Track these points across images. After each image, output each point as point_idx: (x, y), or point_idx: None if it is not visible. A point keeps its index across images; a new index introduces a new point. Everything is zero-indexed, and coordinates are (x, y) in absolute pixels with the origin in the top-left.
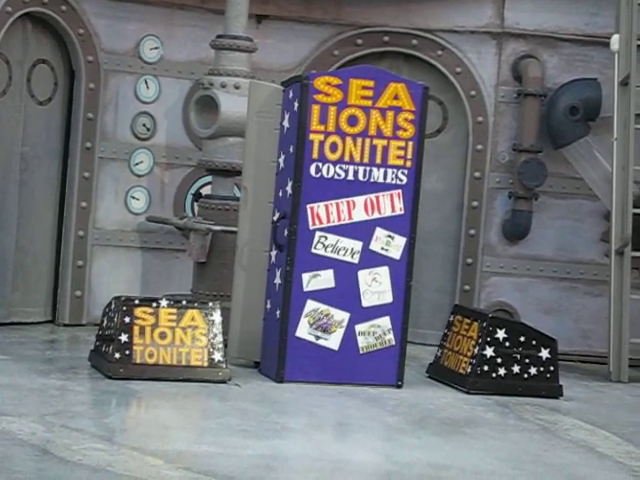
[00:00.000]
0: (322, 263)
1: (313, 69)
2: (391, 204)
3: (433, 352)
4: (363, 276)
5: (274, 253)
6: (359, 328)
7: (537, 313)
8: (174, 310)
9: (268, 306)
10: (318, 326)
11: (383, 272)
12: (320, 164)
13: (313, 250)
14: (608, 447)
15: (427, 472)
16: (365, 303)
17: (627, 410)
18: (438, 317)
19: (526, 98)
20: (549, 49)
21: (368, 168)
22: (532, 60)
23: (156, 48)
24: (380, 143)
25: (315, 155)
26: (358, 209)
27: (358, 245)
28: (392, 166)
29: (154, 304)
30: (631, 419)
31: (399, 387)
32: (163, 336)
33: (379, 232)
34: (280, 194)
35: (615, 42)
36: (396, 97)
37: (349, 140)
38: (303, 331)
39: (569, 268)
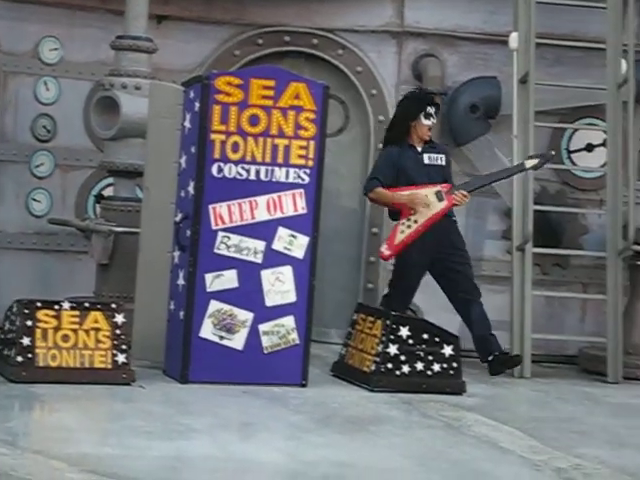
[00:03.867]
0: (225, 263)
1: (214, 69)
2: (293, 203)
3: (337, 351)
4: (266, 276)
5: (177, 254)
6: (263, 328)
7: (440, 311)
8: (77, 312)
9: (172, 307)
10: (222, 326)
11: (286, 271)
12: (222, 164)
13: (216, 250)
14: (511, 442)
15: (332, 470)
16: (269, 303)
17: (530, 405)
18: (342, 316)
19: None
20: (449, 48)
21: (270, 168)
22: (432, 59)
23: (56, 49)
24: (282, 143)
25: (217, 155)
26: (260, 209)
27: (261, 245)
28: (294, 165)
29: (56, 307)
30: (533, 414)
31: (303, 386)
32: (66, 339)
33: (282, 231)
34: (182, 195)
35: (514, 40)
36: (297, 97)
37: (251, 140)
38: (207, 331)
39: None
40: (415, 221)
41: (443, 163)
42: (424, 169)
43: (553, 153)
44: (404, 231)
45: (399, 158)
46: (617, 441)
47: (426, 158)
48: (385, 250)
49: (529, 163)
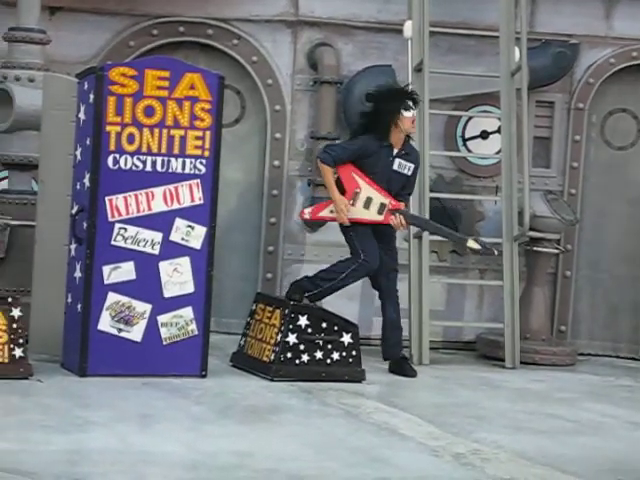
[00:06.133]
0: (122, 255)
1: (109, 60)
2: (190, 194)
3: (237, 341)
4: (164, 267)
5: (74, 246)
6: (161, 319)
7: (340, 299)
8: None
9: (69, 300)
10: (120, 318)
11: (184, 262)
12: (117, 156)
13: (113, 242)
14: (410, 428)
15: (231, 460)
16: (167, 294)
17: (428, 392)
18: (242, 306)
19: (322, 86)
20: (343, 37)
21: (166, 159)
22: (327, 48)
23: None
24: (177, 133)
25: (112, 147)
26: (157, 200)
27: (158, 236)
28: (190, 156)
29: None
30: (432, 400)
31: (203, 377)
32: None
33: (179, 222)
34: (78, 187)
35: (408, 29)
36: (192, 87)
37: (146, 131)
38: (105, 324)
39: None
40: (348, 212)
41: (409, 173)
42: (389, 174)
43: (497, 253)
44: (332, 212)
45: (372, 154)
46: (515, 426)
47: (396, 164)
48: (307, 213)
49: (471, 243)
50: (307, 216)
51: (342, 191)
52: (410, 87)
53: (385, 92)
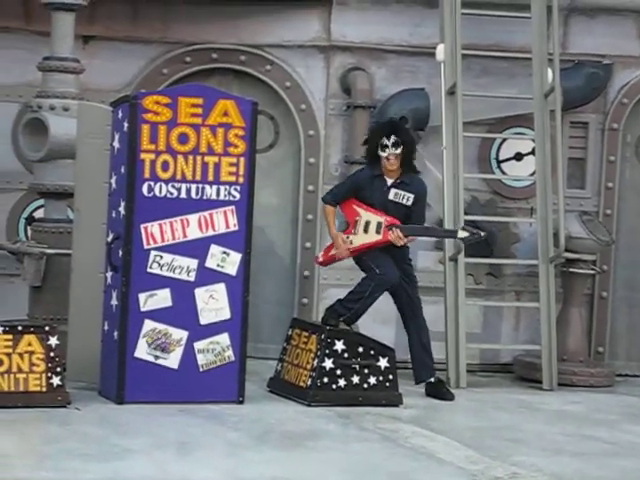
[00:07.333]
0: (158, 282)
1: (142, 88)
2: (225, 220)
3: (274, 366)
4: (200, 294)
5: (109, 274)
6: (198, 346)
7: (375, 323)
8: (10, 336)
9: (106, 327)
10: (157, 345)
11: (220, 289)
12: (152, 183)
13: (149, 270)
14: (448, 453)
15: None
16: (203, 321)
17: (465, 415)
18: (278, 331)
19: (355, 110)
20: (376, 61)
21: (200, 185)
22: (360, 72)
23: None
24: (211, 160)
25: (147, 174)
26: (192, 227)
27: (194, 263)
28: (224, 182)
29: None
30: (469, 424)
31: (240, 403)
32: (0, 363)
33: (214, 249)
34: (113, 215)
35: (440, 52)
36: (226, 114)
37: (180, 158)
38: (142, 351)
39: None
40: (351, 242)
41: (409, 203)
42: (385, 203)
43: (483, 234)
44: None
45: (365, 185)
46: (553, 448)
47: (392, 194)
48: (320, 256)
49: (461, 233)
50: (321, 259)
51: (348, 225)
52: (392, 120)
53: (375, 126)
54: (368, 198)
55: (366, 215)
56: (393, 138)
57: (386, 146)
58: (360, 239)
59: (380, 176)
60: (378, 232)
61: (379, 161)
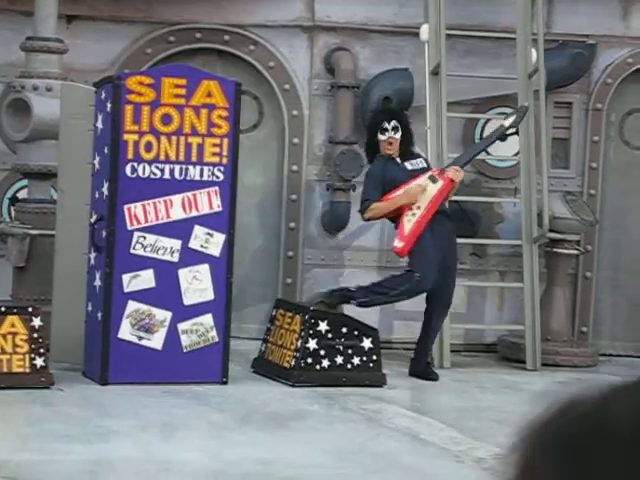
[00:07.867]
0: (142, 263)
1: (126, 68)
2: (209, 201)
3: (258, 346)
4: (184, 274)
5: (93, 255)
6: (182, 327)
7: None
8: None
9: (89, 308)
10: (140, 326)
11: (203, 270)
12: (135, 164)
13: (132, 250)
14: (431, 433)
15: (253, 468)
16: (187, 301)
17: (450, 396)
18: (263, 311)
19: (339, 90)
20: (360, 41)
21: (184, 166)
22: (344, 52)
23: None
24: (195, 141)
25: (130, 155)
26: (176, 208)
27: (177, 244)
28: (208, 163)
29: None
30: (454, 404)
31: (224, 384)
32: None
33: (198, 230)
34: (97, 196)
35: (424, 32)
36: (209, 94)
37: (164, 139)
38: (125, 332)
39: (389, 257)
40: (418, 207)
41: (425, 165)
42: (408, 177)
43: (527, 104)
44: (410, 220)
45: (384, 172)
46: None
47: (408, 165)
48: (398, 243)
49: (507, 122)
50: (400, 244)
51: (396, 215)
52: (391, 107)
53: (371, 115)
54: (392, 181)
55: (408, 187)
56: (393, 122)
57: (386, 129)
58: (424, 200)
59: (390, 158)
60: (435, 182)
61: (378, 151)
